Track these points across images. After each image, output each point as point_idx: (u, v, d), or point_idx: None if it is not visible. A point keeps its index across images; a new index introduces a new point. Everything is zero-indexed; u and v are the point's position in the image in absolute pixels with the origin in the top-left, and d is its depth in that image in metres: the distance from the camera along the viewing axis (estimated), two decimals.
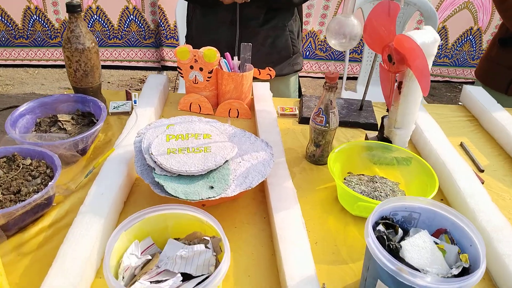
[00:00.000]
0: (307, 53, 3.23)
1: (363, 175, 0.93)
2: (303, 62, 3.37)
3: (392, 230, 0.66)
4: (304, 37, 3.16)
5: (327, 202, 0.89)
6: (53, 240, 0.76)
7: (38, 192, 0.78)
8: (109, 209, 0.77)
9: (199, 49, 1.12)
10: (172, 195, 0.73)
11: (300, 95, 1.54)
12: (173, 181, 0.76)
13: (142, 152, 0.84)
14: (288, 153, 1.01)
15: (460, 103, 1.37)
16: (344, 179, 0.91)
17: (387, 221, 0.66)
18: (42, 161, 0.85)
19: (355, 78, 3.05)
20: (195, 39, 1.39)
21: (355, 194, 0.80)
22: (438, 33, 3.36)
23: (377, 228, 0.64)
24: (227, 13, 1.28)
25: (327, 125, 0.94)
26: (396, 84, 0.95)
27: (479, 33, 3.23)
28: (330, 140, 0.98)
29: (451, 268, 0.60)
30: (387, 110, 1.02)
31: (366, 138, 1.09)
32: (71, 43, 1.02)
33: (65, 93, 1.15)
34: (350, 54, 2.38)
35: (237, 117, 1.19)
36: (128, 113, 1.17)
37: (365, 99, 1.23)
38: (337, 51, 3.22)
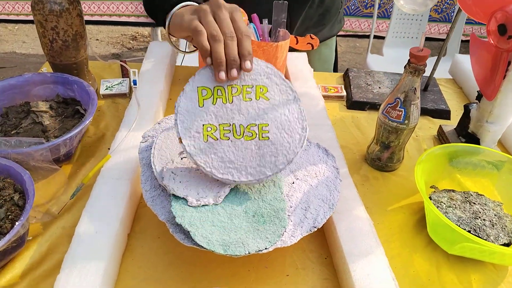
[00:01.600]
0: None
1: (453, 191, 0.69)
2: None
3: None
4: None
5: (408, 230, 0.65)
6: None
7: (1, 234, 0.52)
8: (108, 253, 0.53)
9: None
10: (204, 247, 0.48)
11: (336, 59, 1.25)
12: (203, 224, 0.51)
13: (153, 169, 0.58)
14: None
15: None
16: (430, 197, 0.67)
17: None
18: (8, 180, 0.59)
19: (380, 38, 2.73)
20: None
21: (460, 231, 0.56)
22: None
23: None
24: None
25: (406, 121, 0.68)
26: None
27: None
28: (405, 141, 0.72)
29: None
30: (477, 98, 0.76)
31: (441, 132, 0.84)
32: (43, 3, 0.73)
33: (41, 71, 0.87)
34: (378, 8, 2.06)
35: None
36: (125, 95, 0.89)
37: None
38: (357, 2, 2.87)
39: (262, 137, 0.55)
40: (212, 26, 0.55)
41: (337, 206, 0.60)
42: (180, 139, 0.53)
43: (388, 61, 1.96)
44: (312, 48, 0.92)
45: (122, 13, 3.00)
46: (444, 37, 2.98)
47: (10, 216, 0.55)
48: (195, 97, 0.55)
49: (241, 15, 0.58)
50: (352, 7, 2.88)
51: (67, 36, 0.77)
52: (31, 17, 3.03)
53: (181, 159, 0.58)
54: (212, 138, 0.54)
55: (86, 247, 0.54)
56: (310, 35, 0.91)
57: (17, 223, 0.51)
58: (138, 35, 3.14)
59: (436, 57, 0.93)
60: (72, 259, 0.52)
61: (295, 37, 0.91)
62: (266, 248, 0.49)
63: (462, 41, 2.13)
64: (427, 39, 2.98)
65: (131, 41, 3.10)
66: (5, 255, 0.54)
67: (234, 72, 0.54)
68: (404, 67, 0.66)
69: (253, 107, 0.55)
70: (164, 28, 0.67)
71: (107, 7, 2.97)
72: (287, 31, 0.88)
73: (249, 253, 0.48)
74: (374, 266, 0.53)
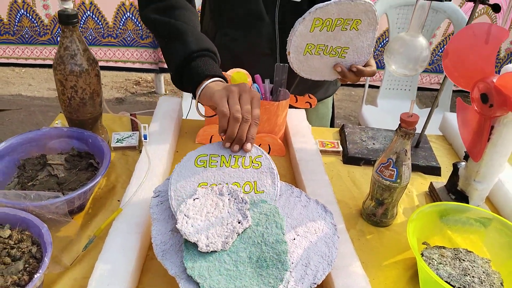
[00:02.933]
0: None
1: (443, 247, 0.73)
2: None
3: None
4: None
5: (402, 285, 0.69)
6: None
7: (19, 285, 0.55)
8: None
9: (225, 71, 0.91)
10: None
11: (333, 115, 1.32)
12: (211, 274, 0.55)
13: (164, 221, 0.62)
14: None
15: None
16: (422, 254, 0.71)
17: None
18: (27, 232, 0.63)
19: (375, 87, 2.84)
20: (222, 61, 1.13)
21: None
22: None
23: None
24: (266, 39, 1.05)
25: (398, 180, 0.73)
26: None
27: None
28: (398, 199, 0.77)
29: None
30: (465, 157, 0.82)
31: (432, 189, 0.89)
32: (64, 64, 0.80)
33: (56, 123, 0.93)
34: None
35: (268, 153, 0.97)
36: (134, 148, 0.94)
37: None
38: None
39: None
40: (236, 108, 0.68)
41: (335, 262, 0.64)
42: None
43: (382, 112, 2.04)
44: (310, 106, 0.98)
45: (127, 60, 3.12)
46: (436, 87, 3.11)
47: (28, 269, 0.58)
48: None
49: (259, 102, 0.71)
50: None
51: (85, 94, 0.83)
52: (39, 61, 3.14)
53: (194, 200, 0.63)
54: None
55: None
56: (308, 95, 0.98)
57: (35, 275, 0.55)
58: (142, 80, 3.24)
59: (428, 108, 0.99)
60: None
61: (294, 96, 0.98)
62: None
63: (453, 91, 2.23)
64: (419, 89, 3.08)
65: (134, 86, 3.20)
66: None
67: (236, 147, 0.69)
68: (395, 131, 0.72)
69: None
70: (194, 97, 0.79)
71: (113, 53, 3.09)
72: (287, 90, 0.95)
73: None
74: None
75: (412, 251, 0.65)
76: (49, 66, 3.20)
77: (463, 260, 0.70)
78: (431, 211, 0.74)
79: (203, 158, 0.68)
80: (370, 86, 2.87)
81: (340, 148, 1.00)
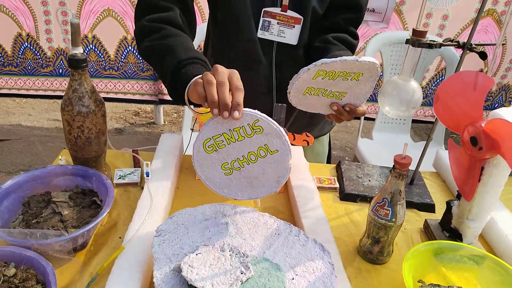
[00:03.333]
0: None
1: (438, 286, 0.74)
2: None
3: None
4: None
5: None
6: None
7: None
8: None
9: None
10: None
11: (329, 152, 1.35)
12: None
13: (166, 261, 0.64)
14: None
15: None
16: None
17: None
18: (31, 271, 0.65)
19: (370, 119, 2.89)
20: None
21: None
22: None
23: None
24: (263, 80, 1.10)
25: (394, 219, 0.76)
26: None
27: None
28: (393, 236, 0.79)
29: None
30: (457, 196, 0.85)
31: (426, 226, 0.91)
32: (72, 105, 0.83)
33: (59, 159, 0.95)
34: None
35: None
36: (136, 184, 0.97)
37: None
38: None
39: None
40: (209, 76, 0.69)
41: None
42: None
43: (378, 145, 2.08)
44: (308, 144, 1.02)
45: (128, 91, 3.18)
46: (430, 119, 3.16)
47: None
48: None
49: (238, 76, 0.71)
50: None
51: (91, 133, 0.86)
52: (40, 92, 3.19)
53: (196, 255, 0.64)
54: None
55: None
56: (306, 133, 1.01)
57: None
58: (141, 111, 3.29)
59: (423, 142, 1.02)
60: None
61: (292, 134, 1.02)
62: None
63: None
64: (414, 121, 3.14)
65: (134, 117, 3.25)
66: None
67: (226, 114, 0.67)
68: (390, 171, 0.75)
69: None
70: (184, 98, 0.80)
71: (113, 85, 3.15)
72: (285, 128, 0.98)
73: None
74: None
75: None
76: (49, 97, 3.26)
77: None
78: (426, 249, 0.76)
79: (209, 142, 0.70)
80: (366, 118, 2.93)
81: (337, 185, 1.02)
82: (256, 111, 0.70)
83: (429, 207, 0.97)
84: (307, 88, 0.86)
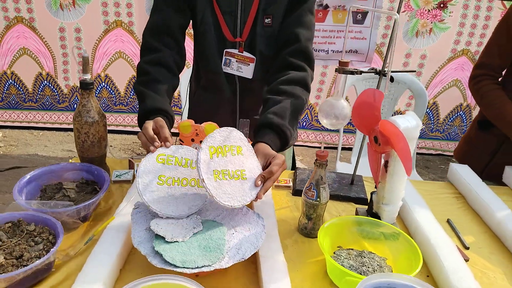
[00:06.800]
0: (304, 124, 3.36)
1: (352, 249, 0.97)
2: (302, 132, 3.44)
3: None
4: None
5: (317, 275, 0.92)
6: None
7: (39, 257, 0.81)
8: (106, 277, 0.80)
9: (200, 123, 1.21)
10: (170, 263, 0.77)
11: (294, 163, 1.60)
12: (171, 251, 0.80)
13: (141, 224, 0.89)
14: (281, 225, 1.06)
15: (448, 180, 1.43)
16: (334, 253, 0.95)
17: None
18: (46, 227, 0.89)
19: (350, 149, 3.14)
20: (197, 114, 1.45)
21: (343, 269, 0.84)
22: (429, 108, 3.51)
23: None
24: (228, 104, 1.38)
25: (318, 199, 1.00)
26: (383, 163, 1.02)
27: (469, 109, 3.39)
28: (321, 213, 1.03)
29: None
30: (376, 187, 1.08)
31: (357, 213, 1.14)
32: (81, 117, 1.11)
33: (71, 161, 1.22)
34: (348, 124, 2.49)
35: None
36: (129, 182, 1.22)
37: (358, 173, 1.30)
38: None
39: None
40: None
41: (265, 252, 0.89)
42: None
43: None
44: None
45: (135, 124, 3.49)
46: None
47: (46, 248, 0.84)
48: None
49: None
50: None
51: (94, 138, 1.13)
52: (56, 125, 3.52)
53: (162, 217, 0.89)
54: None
55: (91, 273, 0.81)
56: None
57: (51, 249, 0.81)
58: None
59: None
60: (80, 284, 0.79)
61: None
62: (209, 265, 0.77)
63: None
64: None
65: (140, 148, 3.54)
66: (39, 274, 0.82)
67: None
68: (314, 163, 0.99)
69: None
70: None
71: (123, 119, 3.47)
72: (249, 139, 1.24)
73: (197, 267, 0.76)
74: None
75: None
76: (64, 129, 3.59)
77: (364, 257, 0.94)
78: (346, 220, 0.99)
79: (162, 156, 0.94)
80: (344, 149, 3.19)
81: (291, 184, 1.27)
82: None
83: (363, 200, 1.21)
84: (214, 171, 0.91)
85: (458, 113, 3.41)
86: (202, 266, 0.77)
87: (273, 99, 1.18)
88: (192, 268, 0.77)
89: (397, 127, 0.93)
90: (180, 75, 1.30)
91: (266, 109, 1.17)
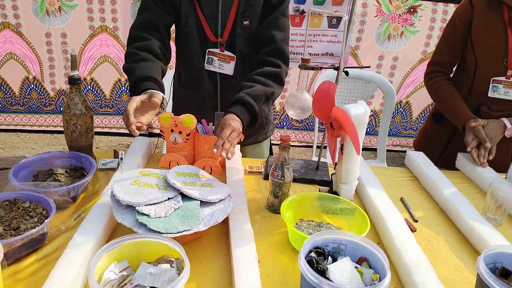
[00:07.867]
0: (284, 123, 3.51)
1: (312, 221, 1.10)
2: (282, 132, 3.57)
3: (322, 257, 0.82)
4: (281, 110, 3.45)
5: (281, 243, 1.05)
6: (44, 270, 0.89)
7: (35, 228, 0.92)
8: (93, 245, 0.92)
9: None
10: (154, 230, 0.89)
11: (271, 154, 1.74)
12: (154, 221, 0.92)
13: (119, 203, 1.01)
14: (252, 204, 1.19)
15: (405, 166, 1.58)
16: (296, 224, 1.08)
17: (318, 249, 0.82)
18: (39, 204, 1.01)
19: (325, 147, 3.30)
20: (181, 111, 1.56)
21: (302, 234, 0.97)
22: (402, 107, 3.68)
23: (310, 255, 0.80)
24: (209, 99, 1.51)
25: (283, 178, 1.13)
26: (339, 146, 1.16)
27: None
28: (286, 192, 1.16)
29: (366, 286, 0.76)
30: (334, 168, 1.22)
31: (319, 192, 1.28)
32: (70, 109, 1.22)
33: (62, 149, 1.33)
34: (322, 125, 2.64)
35: (210, 173, 1.37)
36: (114, 169, 1.34)
37: (325, 161, 1.44)
38: (310, 122, 3.50)
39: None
40: None
41: (234, 223, 1.01)
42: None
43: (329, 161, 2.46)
44: (240, 140, 1.40)
45: (121, 126, 3.59)
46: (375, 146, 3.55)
47: (40, 221, 0.95)
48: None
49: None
50: (311, 124, 3.51)
51: (82, 129, 1.25)
52: (42, 128, 3.60)
53: (145, 206, 1.01)
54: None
55: (80, 241, 0.93)
56: None
57: (45, 221, 0.92)
58: None
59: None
60: (70, 248, 0.90)
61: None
62: (189, 230, 0.90)
63: None
64: (366, 149, 3.54)
65: (126, 149, 3.64)
66: (34, 243, 0.93)
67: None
68: (278, 146, 1.13)
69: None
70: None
71: (108, 121, 3.56)
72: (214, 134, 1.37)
73: (179, 232, 0.89)
74: (246, 251, 0.93)
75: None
76: (51, 132, 3.66)
77: (322, 227, 1.07)
78: (307, 195, 1.12)
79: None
80: (319, 146, 3.34)
81: (263, 170, 1.40)
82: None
83: (327, 183, 1.34)
84: (183, 182, 1.08)
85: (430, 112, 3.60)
86: (183, 231, 0.90)
87: (247, 85, 1.35)
88: (174, 233, 0.89)
89: (346, 114, 1.07)
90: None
91: (240, 91, 1.33)
